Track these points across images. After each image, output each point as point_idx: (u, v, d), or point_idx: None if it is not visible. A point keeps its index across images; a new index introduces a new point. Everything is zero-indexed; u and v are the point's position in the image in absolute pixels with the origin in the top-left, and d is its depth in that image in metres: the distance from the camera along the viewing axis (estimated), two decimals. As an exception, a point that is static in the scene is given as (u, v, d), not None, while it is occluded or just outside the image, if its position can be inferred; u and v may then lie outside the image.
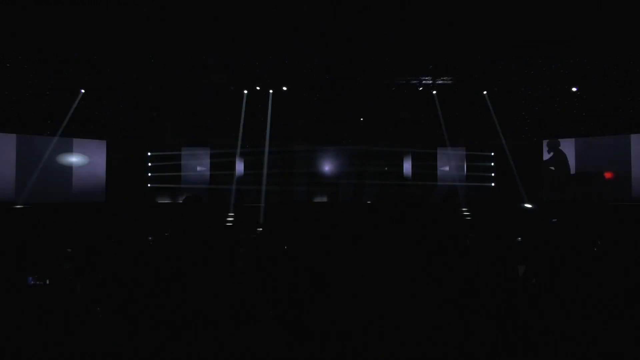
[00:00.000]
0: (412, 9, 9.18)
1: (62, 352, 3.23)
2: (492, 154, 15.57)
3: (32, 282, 4.13)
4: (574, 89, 12.87)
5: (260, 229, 10.27)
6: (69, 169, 14.10)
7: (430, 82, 13.95)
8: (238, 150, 15.12)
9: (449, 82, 14.00)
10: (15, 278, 4.20)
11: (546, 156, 14.70)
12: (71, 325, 3.55)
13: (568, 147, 14.40)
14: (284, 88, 13.93)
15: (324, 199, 16.02)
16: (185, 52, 11.47)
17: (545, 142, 14.68)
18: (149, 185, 15.45)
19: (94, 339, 3.40)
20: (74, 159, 14.24)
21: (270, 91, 14.27)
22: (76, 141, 14.24)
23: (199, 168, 15.77)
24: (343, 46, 11.06)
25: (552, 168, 14.15)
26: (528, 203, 14.20)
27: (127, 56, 11.64)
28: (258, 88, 14.06)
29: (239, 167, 15.56)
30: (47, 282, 4.11)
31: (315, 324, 3.47)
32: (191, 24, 9.78)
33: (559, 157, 14.27)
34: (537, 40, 10.56)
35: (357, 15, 9.37)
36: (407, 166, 16.03)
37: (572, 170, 14.13)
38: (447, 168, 15.89)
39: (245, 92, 14.33)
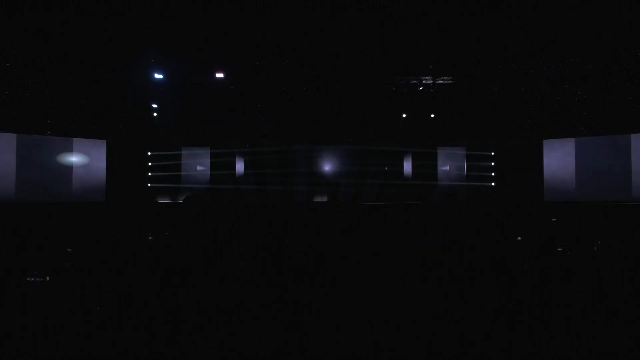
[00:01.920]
0: (412, 9, 9.19)
1: (62, 351, 3.23)
2: (492, 153, 15.58)
3: (33, 281, 4.13)
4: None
5: (259, 229, 10.25)
6: (69, 168, 14.12)
7: (431, 82, 13.94)
8: (238, 150, 15.15)
9: (449, 82, 13.99)
10: (15, 278, 4.20)
11: (547, 156, 14.73)
12: (71, 325, 3.55)
13: (568, 147, 14.41)
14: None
15: (324, 199, 16.03)
16: (184, 51, 11.47)
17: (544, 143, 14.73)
18: (149, 185, 15.45)
19: (94, 339, 3.40)
20: (74, 158, 14.24)
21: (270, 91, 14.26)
22: (76, 141, 14.25)
23: (199, 168, 15.79)
24: (343, 45, 11.06)
25: None
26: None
27: (127, 55, 11.64)
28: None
29: (239, 166, 15.57)
30: (48, 279, 4.11)
31: (315, 320, 3.47)
32: (190, 22, 9.78)
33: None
34: (537, 40, 10.56)
35: (357, 13, 9.37)
36: (407, 166, 16.04)
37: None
38: (447, 168, 15.91)
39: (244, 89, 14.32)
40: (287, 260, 4.81)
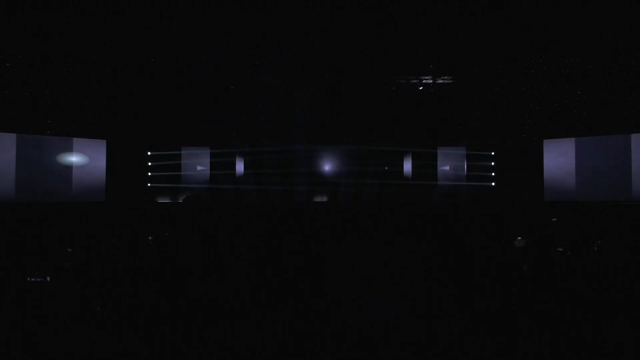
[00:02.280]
0: (412, 9, 9.19)
1: (62, 351, 3.23)
2: (492, 153, 15.58)
3: (32, 280, 4.12)
4: None
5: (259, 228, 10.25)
6: (68, 168, 14.10)
7: (431, 81, 13.94)
8: (238, 150, 15.14)
9: (449, 81, 13.99)
10: (15, 278, 4.20)
11: (547, 156, 14.74)
12: (71, 325, 3.54)
13: (568, 147, 14.40)
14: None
15: (324, 199, 16.03)
16: (183, 50, 11.47)
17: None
18: (149, 185, 15.45)
19: (94, 339, 3.40)
20: (73, 158, 14.24)
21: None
22: (76, 141, 14.24)
23: (199, 168, 15.78)
24: (343, 45, 11.06)
25: None
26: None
27: (127, 55, 11.64)
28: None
29: (239, 166, 15.57)
30: (48, 279, 4.11)
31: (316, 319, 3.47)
32: (190, 22, 9.78)
33: None
34: (537, 40, 10.56)
35: (357, 13, 9.37)
36: (407, 166, 16.03)
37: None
38: (447, 168, 15.90)
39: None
40: (286, 260, 4.80)
